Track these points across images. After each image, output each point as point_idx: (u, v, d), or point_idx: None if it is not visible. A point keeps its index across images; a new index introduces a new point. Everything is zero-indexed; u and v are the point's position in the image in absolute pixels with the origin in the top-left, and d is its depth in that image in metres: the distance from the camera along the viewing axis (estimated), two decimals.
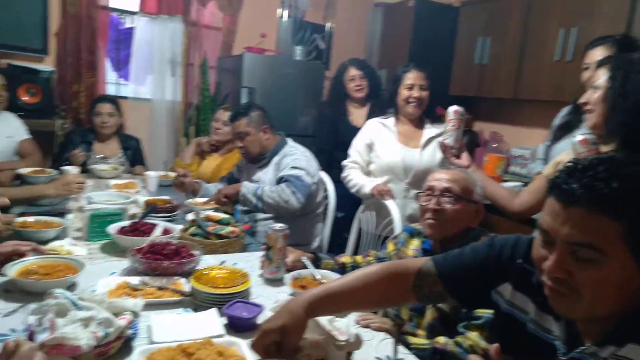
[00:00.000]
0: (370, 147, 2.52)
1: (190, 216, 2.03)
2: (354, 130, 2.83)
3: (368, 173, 2.54)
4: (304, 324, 0.92)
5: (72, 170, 2.64)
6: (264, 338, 0.89)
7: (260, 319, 1.19)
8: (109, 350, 1.01)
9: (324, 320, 1.03)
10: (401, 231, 1.75)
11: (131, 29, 3.75)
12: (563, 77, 2.82)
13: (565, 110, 2.25)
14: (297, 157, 2.36)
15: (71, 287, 1.34)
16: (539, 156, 2.48)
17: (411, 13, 3.65)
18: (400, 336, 1.16)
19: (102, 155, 3.09)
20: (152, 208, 2.01)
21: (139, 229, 1.76)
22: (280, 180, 2.28)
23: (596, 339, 0.78)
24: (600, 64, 1.46)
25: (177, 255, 1.48)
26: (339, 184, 2.77)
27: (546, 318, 0.87)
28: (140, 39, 3.75)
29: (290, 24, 4.16)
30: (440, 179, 1.50)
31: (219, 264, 1.54)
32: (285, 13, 4.18)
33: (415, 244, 1.64)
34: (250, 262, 1.66)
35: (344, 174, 2.57)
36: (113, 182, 2.69)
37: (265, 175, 2.45)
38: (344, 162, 2.59)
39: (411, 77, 2.40)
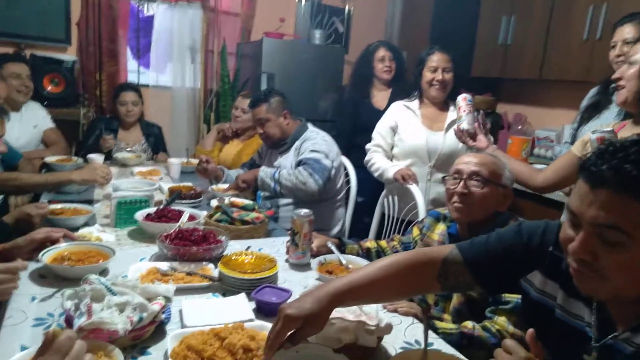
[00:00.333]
0: (394, 130, 2.50)
1: (214, 202, 2.05)
2: (376, 113, 2.81)
3: (391, 157, 2.52)
4: (328, 315, 0.90)
5: (97, 158, 2.68)
6: (288, 324, 0.86)
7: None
8: (144, 334, 1.04)
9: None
10: (426, 216, 1.73)
11: (151, 17, 3.75)
12: (591, 57, 2.73)
13: (593, 91, 2.19)
14: (317, 142, 2.35)
15: (103, 272, 1.37)
16: (566, 139, 2.43)
17: None
18: (429, 321, 1.15)
19: (126, 144, 3.13)
20: (177, 195, 2.03)
21: (165, 215, 1.78)
22: (299, 164, 2.28)
23: (629, 324, 0.77)
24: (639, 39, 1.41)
25: (205, 241, 1.50)
26: (359, 168, 2.77)
27: (576, 304, 0.86)
28: (159, 27, 3.76)
29: (308, 7, 4.11)
30: (469, 162, 1.48)
31: (245, 249, 1.56)
32: None
33: (441, 228, 1.63)
34: (275, 247, 1.68)
35: (367, 158, 2.55)
36: (137, 169, 2.72)
37: (287, 161, 2.45)
38: (368, 146, 2.57)
39: (435, 59, 2.37)
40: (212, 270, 1.40)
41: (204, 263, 1.43)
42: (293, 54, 3.61)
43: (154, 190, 2.23)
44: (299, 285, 1.37)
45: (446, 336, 1.20)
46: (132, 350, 1.01)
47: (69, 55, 3.37)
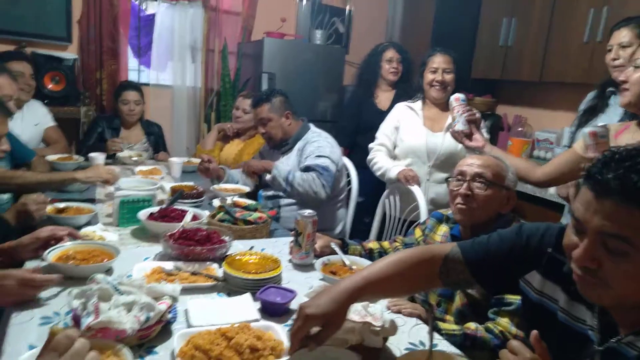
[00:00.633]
0: (397, 130, 2.51)
1: (216, 202, 2.06)
2: (379, 114, 2.82)
3: (394, 157, 2.53)
4: (345, 312, 0.93)
5: (99, 157, 2.68)
6: (309, 323, 0.88)
7: (293, 304, 1.21)
8: (151, 334, 1.04)
9: (359, 306, 1.04)
10: (429, 217, 1.74)
11: (152, 15, 3.75)
12: (592, 59, 2.75)
13: (591, 94, 2.20)
14: (321, 144, 2.36)
15: (107, 272, 1.37)
16: (565, 142, 2.45)
17: None
18: (434, 323, 1.16)
19: (128, 143, 3.13)
20: (179, 194, 2.03)
21: (168, 215, 1.78)
22: (307, 170, 2.29)
23: (633, 327, 0.77)
24: None
25: (209, 241, 1.50)
26: (360, 168, 2.77)
27: (578, 307, 0.86)
28: (160, 26, 3.76)
29: (309, 7, 4.12)
30: (472, 164, 1.49)
31: (248, 249, 1.56)
32: None
33: (443, 230, 1.64)
34: (277, 247, 1.68)
35: (370, 157, 2.56)
36: (138, 168, 2.72)
37: (288, 161, 2.45)
38: (371, 145, 2.58)
39: (436, 60, 2.39)
40: (216, 270, 1.40)
41: (207, 263, 1.44)
42: (294, 54, 3.62)
43: (156, 190, 2.24)
44: (303, 285, 1.37)
45: (449, 337, 1.21)
46: (138, 349, 1.02)
47: (70, 53, 3.37)
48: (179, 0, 3.68)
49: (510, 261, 0.96)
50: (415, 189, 2.26)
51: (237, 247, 1.63)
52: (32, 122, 2.76)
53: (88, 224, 1.81)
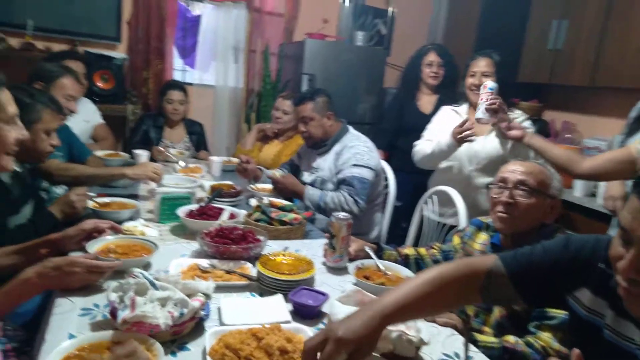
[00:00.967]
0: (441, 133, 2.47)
1: (253, 202, 2.07)
2: (421, 117, 2.77)
3: None
4: (378, 336, 0.87)
5: (143, 153, 2.76)
6: (341, 349, 0.80)
7: (325, 307, 1.20)
8: (183, 330, 1.06)
9: None
10: (468, 224, 1.69)
11: (198, 16, 3.84)
12: None
13: None
14: (359, 151, 2.34)
15: (146, 266, 1.41)
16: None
17: None
18: (470, 335, 1.12)
19: (170, 141, 3.22)
20: (218, 192, 2.07)
21: (206, 212, 1.81)
22: (341, 183, 2.28)
23: None
24: None
25: (244, 240, 1.52)
26: (399, 171, 2.74)
27: (625, 324, 0.82)
28: (205, 27, 3.85)
29: (351, 8, 4.10)
30: (515, 170, 1.43)
31: (282, 250, 1.56)
32: None
33: (483, 238, 1.58)
34: (312, 249, 1.67)
35: (416, 149, 2.47)
36: (182, 165, 2.79)
37: (325, 163, 2.44)
38: (416, 142, 2.51)
39: (476, 64, 2.33)
40: (250, 269, 1.41)
41: (242, 262, 1.45)
42: (335, 55, 3.61)
43: (196, 187, 2.28)
44: (335, 288, 1.36)
45: (487, 350, 1.16)
46: (171, 345, 1.03)
47: (119, 52, 3.49)
48: (224, 1, 3.74)
49: (557, 275, 0.91)
50: (453, 192, 2.20)
51: (271, 247, 1.64)
52: (82, 119, 2.87)
53: (130, 219, 1.86)
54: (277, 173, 2.42)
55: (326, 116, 2.43)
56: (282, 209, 1.86)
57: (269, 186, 2.38)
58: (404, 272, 1.45)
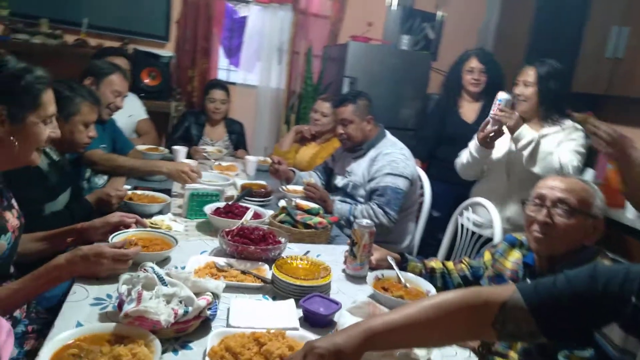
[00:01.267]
0: None
1: (283, 203, 2.06)
2: (463, 125, 2.66)
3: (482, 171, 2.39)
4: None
5: (181, 150, 2.81)
6: (313, 358, 0.78)
7: (337, 317, 1.15)
8: (188, 328, 1.04)
9: None
10: (501, 240, 1.59)
11: (244, 17, 3.90)
12: None
13: None
14: (394, 158, 2.27)
15: (165, 261, 1.42)
16: None
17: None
18: (488, 358, 1.04)
19: (211, 139, 3.27)
20: (246, 192, 2.06)
21: (232, 211, 1.81)
22: (373, 192, 2.23)
23: None
24: None
25: (264, 241, 1.49)
26: (438, 181, 2.64)
27: None
28: (251, 28, 3.89)
29: (399, 12, 4.03)
30: (554, 187, 1.33)
31: (303, 253, 1.53)
32: (395, 1, 4.05)
33: (515, 256, 1.48)
34: (334, 255, 1.63)
35: (457, 159, 2.41)
36: (216, 163, 2.82)
37: (359, 168, 2.39)
38: (461, 152, 2.42)
39: (522, 73, 2.22)
40: (267, 271, 1.39)
41: (259, 263, 1.43)
42: (378, 59, 3.55)
43: (227, 186, 2.30)
44: (351, 298, 1.31)
45: None
46: (175, 342, 1.02)
47: (167, 51, 3.59)
48: (271, 2, 3.77)
49: (583, 310, 0.80)
50: (490, 206, 2.09)
51: (292, 250, 1.61)
52: (127, 113, 2.96)
53: (160, 212, 1.89)
54: (311, 180, 2.40)
55: (366, 120, 2.38)
56: (308, 211, 1.83)
57: (300, 188, 2.36)
58: (425, 286, 1.38)
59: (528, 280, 1.37)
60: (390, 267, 1.49)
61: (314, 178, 2.61)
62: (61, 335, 0.90)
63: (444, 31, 4.19)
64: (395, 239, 2.39)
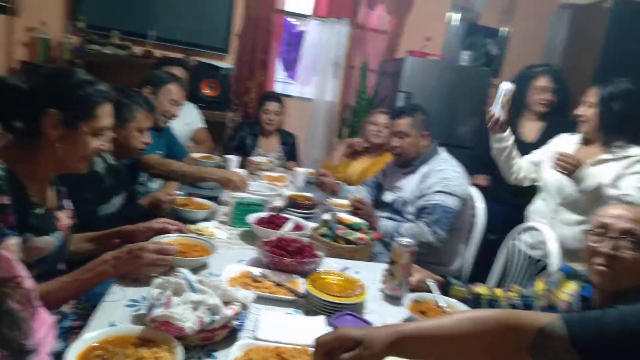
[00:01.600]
0: (535, 165, 2.29)
1: (325, 216, 2.03)
2: (522, 145, 2.50)
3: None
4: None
5: (234, 159, 2.87)
6: (337, 340, 0.79)
7: None
8: (214, 337, 1.03)
9: None
10: (557, 270, 1.47)
11: (302, 32, 3.96)
12: None
13: None
14: (446, 176, 2.18)
15: (202, 267, 1.43)
16: None
17: (606, 15, 3.13)
18: None
19: (264, 150, 3.32)
20: (291, 203, 2.06)
21: (274, 221, 1.80)
22: (422, 210, 2.16)
23: None
24: None
25: (300, 254, 1.47)
26: (493, 202, 2.50)
27: None
28: (309, 42, 3.94)
29: (460, 27, 3.93)
30: (619, 216, 1.20)
31: (341, 269, 1.49)
32: (456, 16, 3.96)
33: (571, 287, 1.36)
34: (374, 273, 1.57)
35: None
36: (266, 173, 2.85)
37: (409, 184, 2.32)
38: None
39: (586, 92, 2.08)
40: (301, 285, 1.36)
41: (294, 276, 1.40)
42: (435, 74, 3.47)
43: (275, 196, 2.31)
44: (386, 319, 1.25)
45: None
46: (200, 350, 1.02)
47: (226, 63, 3.71)
48: (329, 17, 3.81)
49: (635, 350, 0.71)
50: (544, 228, 1.95)
51: (330, 265, 1.58)
52: (184, 121, 3.08)
53: (206, 219, 1.93)
54: (358, 195, 2.36)
55: (422, 135, 2.31)
56: (350, 226, 1.79)
57: (345, 202, 2.32)
58: None
59: None
60: (430, 291, 1.41)
61: (361, 193, 2.57)
62: (88, 335, 0.92)
63: (508, 47, 4.03)
64: (443, 260, 2.29)
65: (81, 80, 1.25)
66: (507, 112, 2.16)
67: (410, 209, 2.29)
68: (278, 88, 3.97)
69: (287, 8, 3.84)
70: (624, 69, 2.84)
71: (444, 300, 1.34)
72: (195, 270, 1.38)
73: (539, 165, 2.28)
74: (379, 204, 2.52)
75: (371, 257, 1.77)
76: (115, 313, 1.11)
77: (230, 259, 1.51)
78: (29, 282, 0.89)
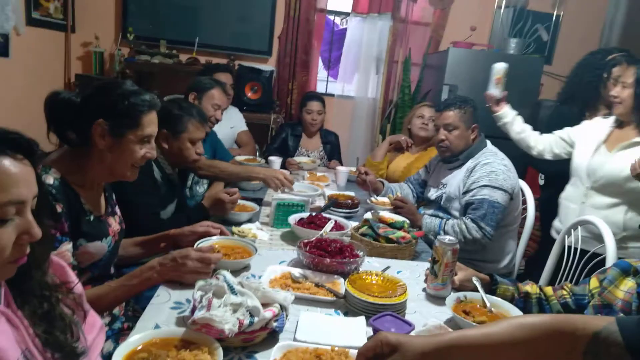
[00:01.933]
0: (565, 141, 2.27)
1: (367, 215, 2.01)
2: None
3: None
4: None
5: (276, 160, 2.91)
6: (377, 346, 0.78)
7: None
8: (254, 339, 1.05)
9: None
10: (612, 265, 1.38)
11: (343, 30, 3.94)
12: None
13: None
14: (494, 169, 2.10)
15: (245, 269, 1.46)
16: None
17: None
18: None
19: (306, 150, 3.34)
20: (332, 202, 2.06)
21: (315, 222, 1.81)
22: (468, 205, 2.09)
23: None
24: None
25: (340, 254, 1.47)
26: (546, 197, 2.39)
27: None
28: (350, 39, 3.92)
29: (508, 14, 3.77)
30: None
31: (383, 269, 1.47)
32: (504, 2, 3.80)
33: (629, 285, 1.27)
34: (416, 272, 1.55)
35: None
36: (308, 174, 2.86)
37: (454, 179, 2.25)
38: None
39: (624, 72, 1.99)
40: (342, 285, 1.36)
41: (335, 276, 1.40)
42: (481, 65, 3.32)
43: (316, 196, 2.31)
44: (429, 319, 1.22)
45: None
46: (241, 351, 1.03)
47: (269, 65, 3.77)
48: (369, 13, 3.77)
49: None
50: (602, 225, 1.81)
51: (372, 264, 1.56)
52: (228, 125, 3.15)
53: (249, 221, 1.96)
54: (398, 194, 2.32)
55: (471, 128, 2.23)
56: (391, 225, 1.77)
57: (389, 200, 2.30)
58: (514, 312, 1.24)
59: None
60: (476, 289, 1.37)
61: (404, 190, 2.53)
62: (132, 338, 0.96)
63: (560, 32, 3.83)
64: (492, 257, 2.21)
65: (127, 91, 1.30)
66: (501, 91, 2.41)
67: (456, 204, 2.22)
68: (320, 87, 3.98)
69: (327, 7, 3.83)
70: None
71: (489, 300, 1.30)
72: (237, 271, 1.41)
73: (572, 146, 2.20)
74: (424, 201, 2.47)
75: (414, 256, 1.73)
76: (161, 315, 1.15)
77: (272, 260, 1.53)
78: (79, 287, 0.94)
